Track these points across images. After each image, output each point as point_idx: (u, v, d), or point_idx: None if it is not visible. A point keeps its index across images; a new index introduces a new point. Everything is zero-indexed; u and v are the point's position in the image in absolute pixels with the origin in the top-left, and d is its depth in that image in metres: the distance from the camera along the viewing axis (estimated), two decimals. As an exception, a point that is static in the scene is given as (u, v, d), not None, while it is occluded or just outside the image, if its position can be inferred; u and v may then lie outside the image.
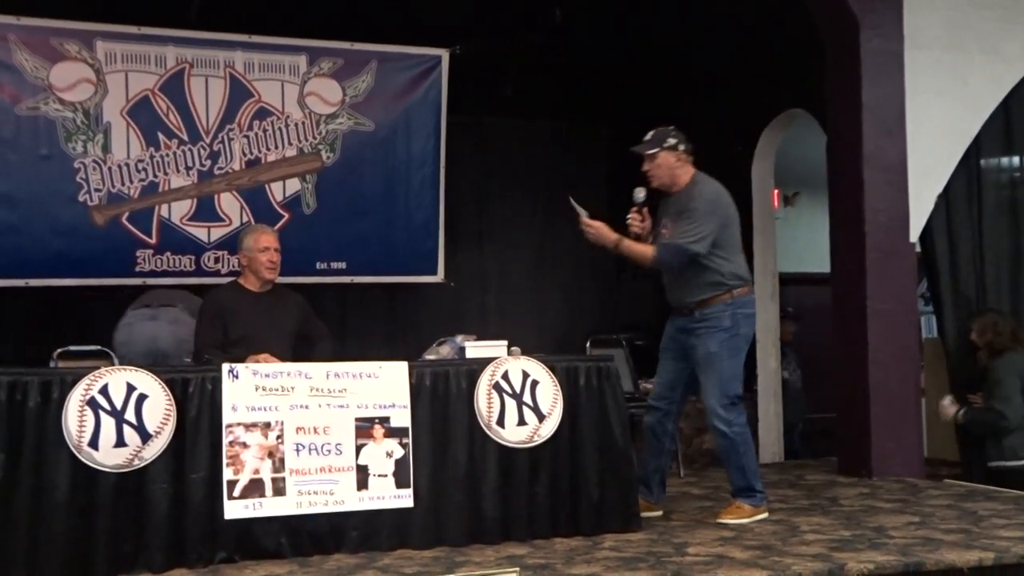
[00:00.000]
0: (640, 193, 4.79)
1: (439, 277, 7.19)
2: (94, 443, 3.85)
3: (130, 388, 3.94)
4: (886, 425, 5.90)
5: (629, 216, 4.79)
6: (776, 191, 7.88)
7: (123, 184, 6.35)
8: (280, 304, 5.11)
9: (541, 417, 4.44)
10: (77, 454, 3.84)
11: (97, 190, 6.30)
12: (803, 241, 8.64)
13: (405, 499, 4.24)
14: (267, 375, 4.18)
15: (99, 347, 5.14)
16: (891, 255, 6.01)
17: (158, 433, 3.94)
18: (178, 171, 6.48)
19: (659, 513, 4.87)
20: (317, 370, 4.27)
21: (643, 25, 7.48)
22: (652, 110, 8.02)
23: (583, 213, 4.67)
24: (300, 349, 5.04)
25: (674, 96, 7.85)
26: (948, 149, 6.27)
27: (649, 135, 4.84)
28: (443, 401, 4.37)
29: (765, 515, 4.76)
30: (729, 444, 4.72)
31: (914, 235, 6.14)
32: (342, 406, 4.24)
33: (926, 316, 7.38)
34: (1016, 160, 6.62)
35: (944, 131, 6.22)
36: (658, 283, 8.32)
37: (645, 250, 4.77)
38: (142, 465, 3.91)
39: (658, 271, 4.92)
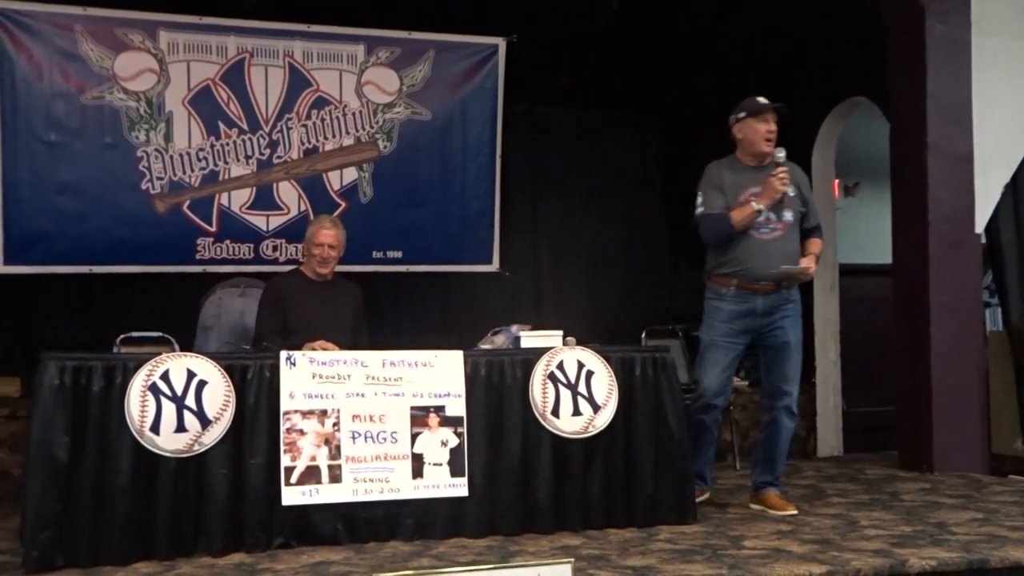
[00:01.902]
0: (782, 153, 4.65)
1: (494, 266, 7.19)
2: (155, 428, 3.92)
3: (190, 374, 4.00)
4: (949, 419, 5.79)
5: (780, 175, 4.58)
6: (837, 181, 7.76)
7: (184, 173, 6.44)
8: (338, 294, 5.17)
9: (596, 408, 4.43)
10: (139, 439, 3.91)
11: (159, 178, 6.39)
12: (864, 232, 8.48)
13: (460, 488, 4.25)
14: (324, 363, 4.22)
15: (160, 333, 5.22)
16: (955, 246, 5.89)
17: (217, 419, 4.00)
18: (238, 160, 6.55)
19: (707, 495, 4.91)
20: (373, 358, 4.29)
21: (701, 12, 7.40)
22: (710, 99, 7.94)
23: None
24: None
25: (733, 84, 7.73)
26: (1015, 138, 6.12)
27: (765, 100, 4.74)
28: (498, 391, 4.38)
29: None
30: (793, 429, 4.75)
31: (979, 226, 6.02)
32: (398, 394, 4.26)
33: (991, 308, 7.22)
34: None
35: (1011, 119, 6.08)
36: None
37: (819, 245, 4.79)
38: (202, 451, 3.98)
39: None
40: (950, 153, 5.91)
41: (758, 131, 4.65)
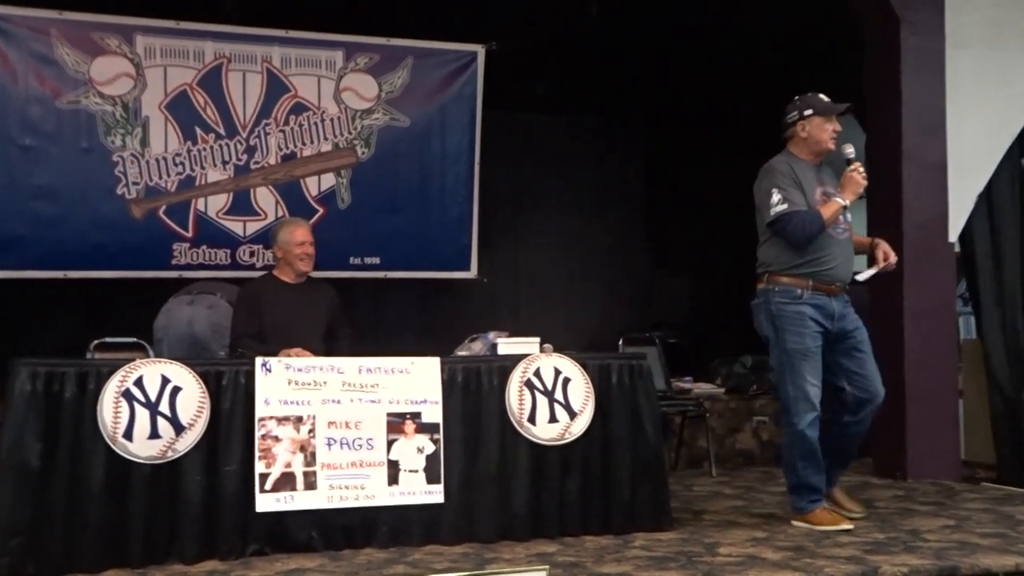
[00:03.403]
0: (851, 148, 4.61)
1: (472, 273, 7.19)
2: (128, 434, 3.90)
3: (164, 380, 3.98)
4: (922, 427, 5.83)
5: (860, 170, 4.55)
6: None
7: (160, 178, 6.42)
8: (314, 296, 5.18)
9: (573, 415, 4.43)
10: (112, 445, 3.88)
11: (135, 183, 6.37)
12: (840, 240, 8.55)
13: (436, 495, 4.24)
14: (300, 369, 4.21)
15: (135, 339, 5.19)
16: (930, 255, 5.93)
17: (191, 425, 3.98)
18: (215, 165, 6.54)
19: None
20: (349, 365, 4.29)
21: (680, 19, 7.43)
22: (688, 106, 8.03)
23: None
24: (325, 341, 5.08)
25: (710, 92, 7.80)
26: (989, 148, 6.17)
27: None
28: (475, 397, 4.37)
29: None
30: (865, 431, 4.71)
31: (953, 235, 6.06)
32: (374, 401, 4.25)
33: (964, 317, 7.27)
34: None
35: (985, 130, 6.13)
36: (695, 281, 8.30)
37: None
38: (176, 457, 3.95)
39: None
40: (924, 162, 5.96)
41: (826, 130, 4.58)
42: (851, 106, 4.71)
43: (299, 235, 5.13)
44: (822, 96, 4.64)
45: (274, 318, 4.98)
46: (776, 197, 4.48)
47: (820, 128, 4.58)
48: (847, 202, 4.51)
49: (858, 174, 4.53)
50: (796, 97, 4.69)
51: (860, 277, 4.66)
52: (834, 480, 4.80)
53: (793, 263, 4.51)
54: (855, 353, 4.60)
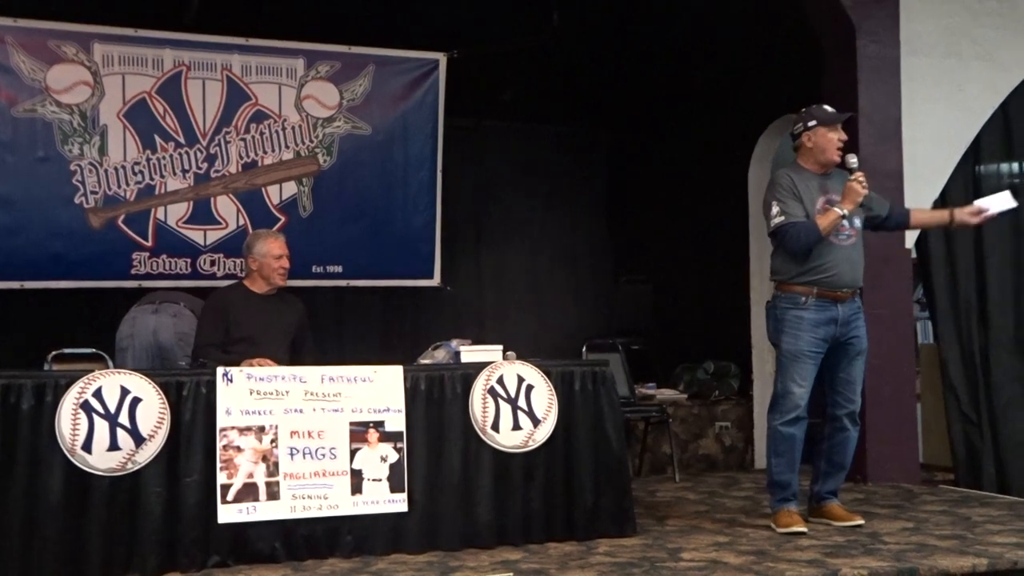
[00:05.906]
0: (855, 158, 4.65)
1: (435, 281, 7.19)
2: (87, 446, 3.85)
3: (124, 391, 3.94)
4: (881, 431, 5.89)
5: (860, 179, 4.57)
6: (773, 196, 7.86)
7: (119, 187, 6.35)
8: (283, 307, 5.14)
9: (536, 422, 4.44)
10: (70, 457, 3.84)
11: (93, 192, 6.30)
12: (800, 246, 8.63)
13: (399, 504, 4.23)
14: (261, 379, 4.18)
15: (94, 350, 5.14)
16: (887, 261, 6.01)
17: (152, 437, 3.94)
18: (174, 174, 6.48)
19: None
20: (312, 374, 4.27)
21: (641, 29, 7.49)
22: (650, 114, 8.09)
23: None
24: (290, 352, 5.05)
25: (672, 100, 7.86)
26: (944, 155, 6.27)
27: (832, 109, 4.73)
28: (438, 405, 4.37)
29: None
30: (853, 441, 4.75)
31: (909, 241, 6.15)
32: (336, 410, 4.24)
33: (921, 322, 7.37)
34: (1016, 166, 6.61)
35: (940, 137, 6.22)
36: (658, 288, 8.34)
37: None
38: (135, 469, 3.92)
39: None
40: (881, 170, 6.02)
41: (831, 140, 4.64)
42: (853, 115, 4.74)
43: (277, 248, 5.08)
44: (826, 107, 4.72)
45: (243, 328, 4.93)
46: (775, 209, 4.60)
47: (824, 138, 4.66)
48: (845, 211, 4.56)
49: (858, 183, 4.58)
50: (803, 109, 4.75)
51: (988, 204, 4.80)
52: (826, 491, 4.81)
53: (797, 272, 4.60)
54: (846, 358, 4.68)
